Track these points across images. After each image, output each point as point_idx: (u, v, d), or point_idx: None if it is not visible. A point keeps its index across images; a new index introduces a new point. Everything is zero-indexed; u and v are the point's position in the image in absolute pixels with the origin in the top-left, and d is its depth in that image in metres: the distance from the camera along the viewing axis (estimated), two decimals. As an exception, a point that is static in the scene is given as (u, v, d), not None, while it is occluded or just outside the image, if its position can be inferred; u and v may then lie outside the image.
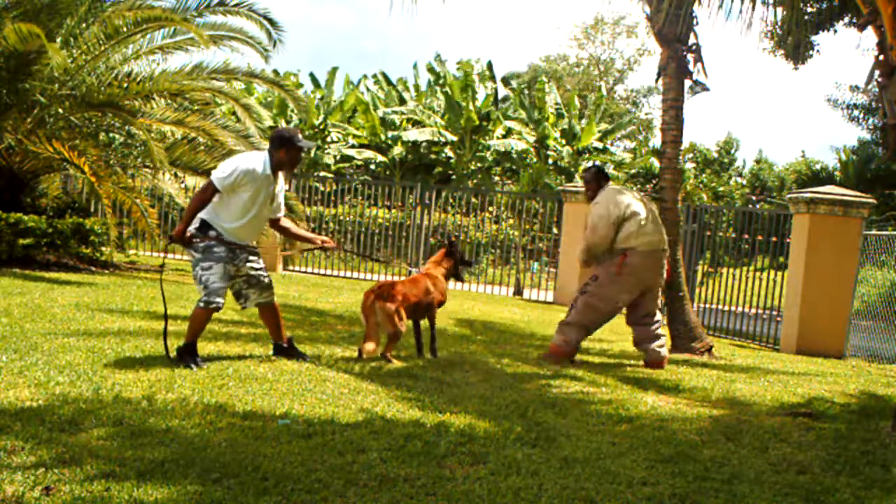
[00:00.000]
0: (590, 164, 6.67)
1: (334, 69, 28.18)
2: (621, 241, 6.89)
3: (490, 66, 27.80)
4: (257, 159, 5.65)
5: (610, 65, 45.14)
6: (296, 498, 3.08)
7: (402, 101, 27.83)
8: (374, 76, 29.10)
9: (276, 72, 21.48)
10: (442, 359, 6.34)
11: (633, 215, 6.89)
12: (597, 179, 7.23)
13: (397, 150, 26.15)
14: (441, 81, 26.74)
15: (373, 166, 26.48)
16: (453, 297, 12.25)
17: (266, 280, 5.81)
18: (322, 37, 76.92)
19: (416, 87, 28.99)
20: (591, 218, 7.05)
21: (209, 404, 4.26)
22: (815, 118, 71.79)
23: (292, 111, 24.36)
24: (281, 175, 5.82)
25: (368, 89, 28.24)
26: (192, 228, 5.51)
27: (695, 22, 8.46)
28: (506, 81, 30.34)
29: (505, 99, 28.99)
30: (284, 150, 5.67)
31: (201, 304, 5.51)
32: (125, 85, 10.61)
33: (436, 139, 25.83)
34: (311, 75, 28.20)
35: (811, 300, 9.85)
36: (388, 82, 28.64)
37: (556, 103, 27.90)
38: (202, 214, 5.57)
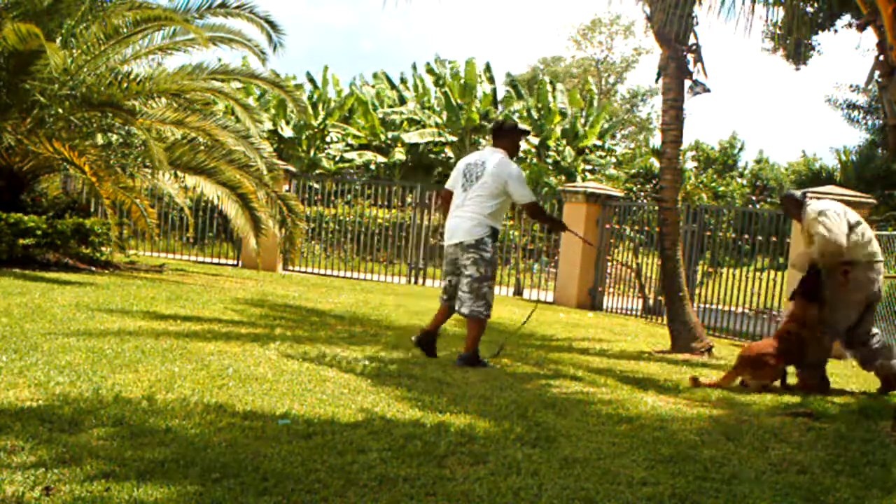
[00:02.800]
0: (789, 192, 6.73)
1: (325, 68, 28.20)
2: (846, 253, 6.41)
3: (488, 66, 27.80)
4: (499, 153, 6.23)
5: (609, 66, 45.14)
6: (296, 498, 3.08)
7: (402, 101, 27.82)
8: (375, 74, 29.09)
9: (274, 72, 21.47)
10: (442, 359, 6.35)
11: (857, 224, 6.48)
12: (799, 205, 6.78)
13: (397, 151, 26.15)
14: (440, 81, 26.74)
15: (373, 167, 26.48)
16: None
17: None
18: (319, 36, 76.92)
19: (416, 86, 28.96)
20: (819, 227, 6.40)
21: (209, 404, 4.26)
22: (815, 118, 71.85)
23: (291, 111, 24.35)
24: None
25: (371, 85, 28.23)
26: (487, 236, 6.06)
27: (695, 22, 8.45)
28: (506, 81, 30.36)
29: (504, 99, 29.00)
30: (515, 138, 6.34)
31: (483, 316, 6.09)
32: (125, 85, 10.61)
33: (435, 139, 25.82)
34: (308, 74, 28.22)
35: (811, 300, 9.82)
36: (388, 82, 28.64)
37: (559, 103, 27.90)
38: (491, 223, 6.10)
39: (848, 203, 9.86)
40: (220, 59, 11.71)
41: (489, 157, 6.23)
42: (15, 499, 2.84)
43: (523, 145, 26.04)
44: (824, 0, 13.85)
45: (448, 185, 6.46)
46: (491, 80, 27.95)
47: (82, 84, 10.55)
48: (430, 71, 27.23)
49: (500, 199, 6.17)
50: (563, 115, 27.41)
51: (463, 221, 6.13)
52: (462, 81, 26.16)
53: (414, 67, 29.13)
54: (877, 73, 5.61)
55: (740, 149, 37.78)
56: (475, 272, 6.06)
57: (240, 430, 3.85)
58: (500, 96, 28.39)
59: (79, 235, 10.51)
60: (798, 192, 7.03)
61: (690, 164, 32.89)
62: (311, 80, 27.90)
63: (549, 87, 27.63)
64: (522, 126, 6.48)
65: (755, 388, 6.22)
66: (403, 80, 29.44)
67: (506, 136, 6.32)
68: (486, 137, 26.47)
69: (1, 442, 3.37)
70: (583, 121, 27.98)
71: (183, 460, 3.35)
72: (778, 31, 12.35)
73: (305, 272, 14.80)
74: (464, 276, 6.12)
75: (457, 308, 6.23)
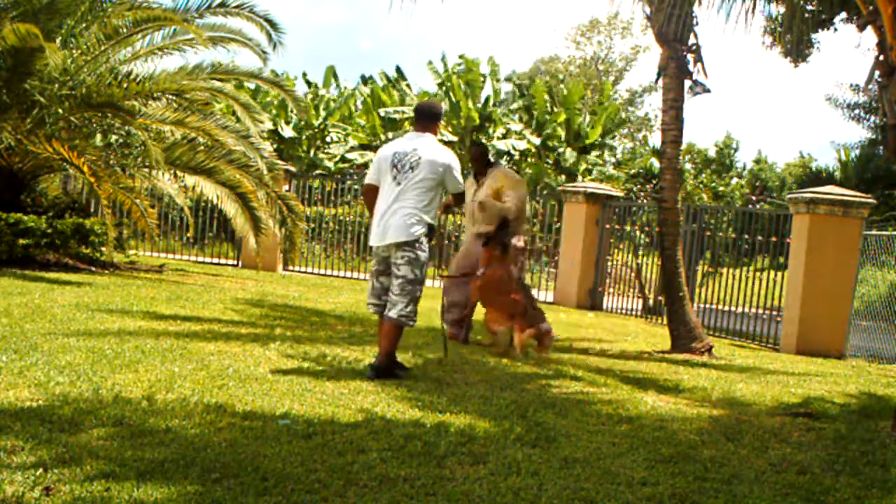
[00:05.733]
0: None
1: (330, 68, 28.17)
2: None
3: (491, 64, 27.79)
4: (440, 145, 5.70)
5: (610, 66, 45.16)
6: (296, 498, 3.08)
7: (403, 101, 27.80)
8: (370, 77, 29.12)
9: (274, 72, 21.47)
10: (442, 359, 6.34)
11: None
12: (487, 156, 7.83)
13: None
14: (442, 81, 26.72)
15: (373, 166, 26.48)
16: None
17: None
18: (317, 36, 76.79)
19: (407, 87, 28.88)
20: (508, 186, 7.40)
21: (209, 404, 4.26)
22: (815, 117, 71.81)
23: (292, 111, 24.34)
24: None
25: (373, 83, 28.23)
26: (424, 234, 5.46)
27: (695, 22, 8.46)
28: (507, 81, 30.35)
29: (506, 99, 28.97)
30: (438, 122, 5.80)
31: (410, 325, 5.53)
32: (125, 85, 10.60)
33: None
34: (304, 75, 28.23)
35: (811, 300, 9.85)
36: (389, 82, 28.62)
37: (558, 103, 27.90)
38: (428, 218, 5.49)
39: (848, 203, 9.92)
40: (212, 63, 11.55)
41: (420, 143, 5.57)
42: (15, 499, 2.85)
43: (523, 144, 26.08)
44: (824, -1, 13.84)
45: (370, 179, 5.69)
46: (496, 80, 27.91)
47: (82, 84, 10.55)
48: (433, 70, 27.18)
49: (436, 191, 5.54)
50: (563, 115, 27.37)
51: (399, 218, 5.44)
52: (467, 79, 26.10)
53: (401, 73, 28.84)
54: (877, 72, 5.62)
55: (735, 149, 37.78)
56: (409, 273, 5.45)
57: (240, 430, 3.85)
58: (501, 96, 28.37)
59: (79, 235, 10.51)
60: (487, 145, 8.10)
61: (688, 166, 32.85)
62: (308, 83, 27.89)
63: (548, 87, 27.61)
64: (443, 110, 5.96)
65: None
66: (395, 81, 29.33)
67: (433, 120, 5.72)
68: (486, 137, 26.45)
69: (1, 442, 3.38)
70: (583, 120, 27.96)
71: (183, 460, 3.35)
72: (778, 28, 12.35)
73: (305, 272, 14.79)
74: (395, 277, 5.48)
75: (385, 312, 5.56)
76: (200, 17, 11.20)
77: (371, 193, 5.69)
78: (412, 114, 6.06)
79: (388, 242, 5.47)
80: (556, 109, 27.24)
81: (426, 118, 5.72)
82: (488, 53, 75.24)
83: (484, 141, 8.01)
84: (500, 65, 28.07)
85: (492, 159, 7.86)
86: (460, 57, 27.50)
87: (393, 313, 5.49)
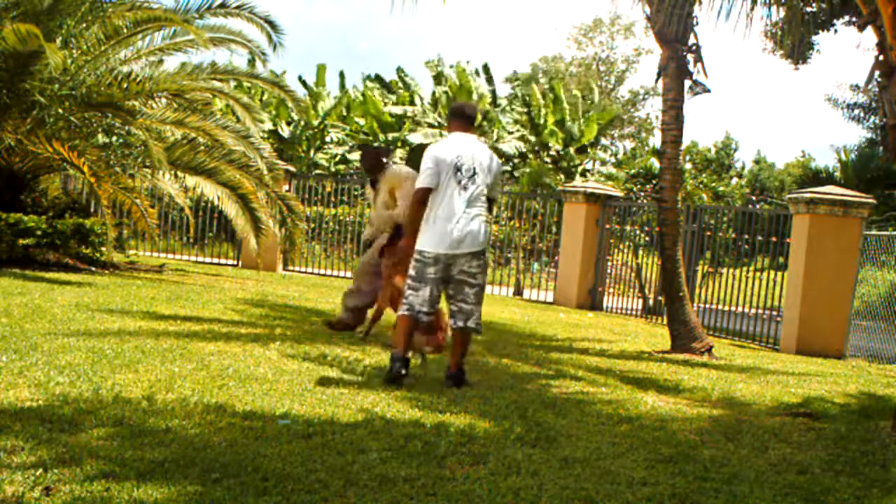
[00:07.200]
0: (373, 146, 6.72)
1: (323, 66, 28.11)
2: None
3: (486, 67, 27.81)
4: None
5: (611, 65, 45.17)
6: (296, 498, 3.08)
7: (400, 102, 27.82)
8: (368, 76, 29.14)
9: (273, 72, 21.48)
10: (443, 359, 6.33)
11: None
12: (380, 160, 7.19)
13: (398, 152, 26.12)
14: (442, 81, 26.74)
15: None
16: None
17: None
18: (314, 36, 76.73)
19: (409, 86, 28.90)
20: (397, 185, 6.94)
21: (209, 404, 4.26)
22: (815, 118, 71.78)
23: (292, 111, 24.35)
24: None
25: (369, 86, 28.25)
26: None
27: (695, 22, 8.46)
28: (506, 81, 30.36)
29: (504, 100, 28.98)
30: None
31: (480, 329, 5.52)
32: (125, 85, 10.59)
33: (436, 140, 25.78)
34: (300, 78, 28.20)
35: (811, 300, 9.85)
36: (383, 83, 28.70)
37: (556, 103, 27.91)
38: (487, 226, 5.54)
39: (848, 203, 9.92)
40: (212, 63, 11.54)
41: (478, 149, 5.48)
42: (15, 499, 2.85)
43: (521, 145, 26.07)
44: None
45: (429, 183, 5.35)
46: (490, 80, 27.91)
47: (82, 84, 10.54)
48: (432, 68, 27.19)
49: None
50: (561, 114, 27.40)
51: (475, 225, 5.33)
52: (462, 81, 26.12)
53: (399, 71, 28.83)
54: (877, 73, 5.62)
55: (735, 149, 37.78)
56: (482, 281, 5.43)
57: (240, 430, 3.85)
58: (498, 97, 28.37)
59: (79, 235, 10.51)
60: (381, 148, 7.53)
61: (688, 166, 32.85)
62: (304, 84, 27.89)
63: (546, 87, 27.62)
64: None
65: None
66: (397, 81, 29.37)
67: (472, 122, 5.63)
68: (485, 137, 26.45)
69: (1, 442, 3.38)
70: (582, 120, 27.97)
71: (183, 460, 3.35)
72: (778, 31, 12.35)
73: (305, 272, 14.79)
74: (471, 287, 5.37)
75: (457, 322, 5.43)
76: (201, 17, 11.20)
77: (426, 197, 5.41)
78: (450, 115, 5.81)
79: (466, 251, 5.33)
80: (552, 110, 27.24)
81: (466, 119, 5.61)
82: (486, 55, 75.37)
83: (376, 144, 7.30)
84: (498, 66, 28.19)
85: (385, 160, 7.28)
86: (451, 64, 27.50)
87: (471, 323, 5.42)
